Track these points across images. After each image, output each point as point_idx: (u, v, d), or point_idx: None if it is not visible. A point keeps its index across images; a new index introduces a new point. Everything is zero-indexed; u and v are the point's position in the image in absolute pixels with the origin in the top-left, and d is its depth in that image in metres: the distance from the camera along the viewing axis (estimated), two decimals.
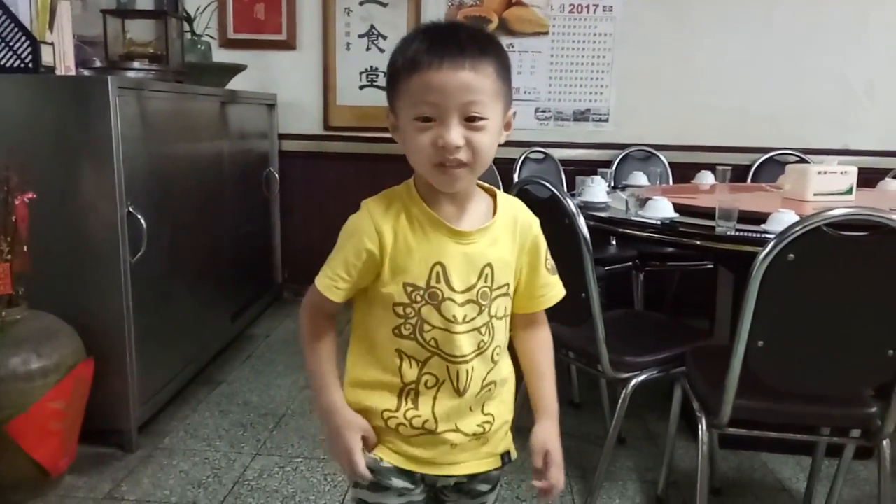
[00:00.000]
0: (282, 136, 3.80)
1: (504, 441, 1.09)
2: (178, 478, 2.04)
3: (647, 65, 3.64)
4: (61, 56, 2.23)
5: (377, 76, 3.76)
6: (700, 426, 1.64)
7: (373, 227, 0.98)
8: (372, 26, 3.73)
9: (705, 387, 1.66)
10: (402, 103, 0.95)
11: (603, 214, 2.15)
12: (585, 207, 2.15)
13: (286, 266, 3.96)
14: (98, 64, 2.66)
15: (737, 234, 1.77)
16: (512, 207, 1.05)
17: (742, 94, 3.62)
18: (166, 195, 2.39)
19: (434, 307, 0.98)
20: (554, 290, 1.11)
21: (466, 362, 1.00)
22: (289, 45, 3.76)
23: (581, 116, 3.69)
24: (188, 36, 3.25)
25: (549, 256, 1.10)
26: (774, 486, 2.10)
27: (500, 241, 1.02)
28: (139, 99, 2.21)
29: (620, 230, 2.08)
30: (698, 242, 1.86)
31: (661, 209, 2.00)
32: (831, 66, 3.58)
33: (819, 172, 2.16)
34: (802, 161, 3.32)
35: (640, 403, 2.29)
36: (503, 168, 3.21)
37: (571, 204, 1.76)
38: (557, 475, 1.06)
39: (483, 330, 1.01)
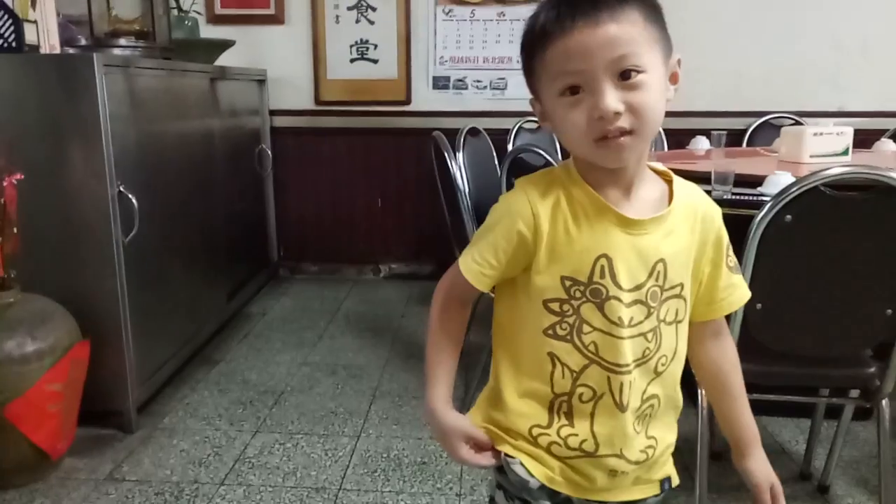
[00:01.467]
0: (273, 112, 3.76)
1: (665, 466, 0.96)
2: (178, 457, 2.04)
3: None
4: (45, 34, 2.19)
5: (367, 49, 3.71)
6: (699, 391, 1.64)
7: (528, 207, 0.85)
8: None
9: None
10: (543, 83, 0.83)
11: None
12: None
13: (281, 243, 3.94)
14: (83, 42, 2.62)
15: (733, 197, 1.76)
16: (691, 195, 0.91)
17: (735, 57, 3.58)
18: (157, 174, 2.37)
19: (596, 306, 0.85)
20: (738, 291, 0.95)
21: (629, 372, 0.86)
22: (277, 19, 3.70)
23: None
24: (175, 12, 3.20)
25: (731, 252, 0.94)
26: (774, 449, 2.11)
27: (677, 233, 0.87)
28: (126, 76, 2.18)
29: None
30: None
31: None
32: (825, 25, 3.53)
33: (815, 134, 2.14)
34: (798, 124, 3.29)
35: None
36: (497, 139, 3.18)
37: None
38: None
39: (650, 336, 0.87)
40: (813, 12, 3.53)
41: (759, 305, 1.45)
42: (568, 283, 0.85)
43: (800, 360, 1.56)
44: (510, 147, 3.28)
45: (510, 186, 1.96)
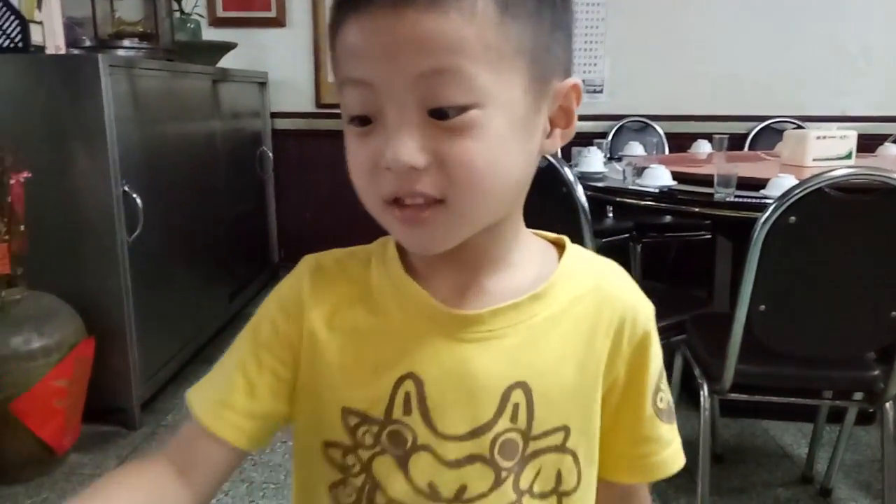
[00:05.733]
0: (274, 115, 3.77)
1: None
2: None
3: (640, 34, 3.61)
4: (51, 35, 2.20)
5: None
6: (702, 392, 1.64)
7: (299, 293, 0.57)
8: None
9: (706, 353, 1.66)
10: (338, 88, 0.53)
11: (600, 184, 2.14)
12: (582, 178, 2.13)
13: (282, 245, 3.95)
14: (87, 43, 2.63)
15: (736, 199, 1.76)
16: (595, 270, 0.59)
17: (737, 61, 3.59)
18: (160, 174, 2.37)
19: (397, 461, 0.53)
20: (667, 450, 0.60)
21: None
22: (279, 21, 3.71)
23: None
24: (177, 14, 3.21)
25: (664, 386, 0.60)
26: (776, 452, 2.11)
27: (556, 335, 0.55)
28: (130, 77, 2.19)
29: (618, 199, 2.07)
30: (697, 209, 1.86)
31: (659, 177, 1.99)
32: (827, 29, 3.55)
33: (818, 137, 2.15)
34: (800, 128, 3.30)
35: None
36: None
37: (569, 172, 1.75)
38: None
39: None
40: (815, 16, 3.54)
41: (762, 307, 1.46)
42: (353, 421, 0.54)
43: (803, 362, 1.56)
44: None
45: None
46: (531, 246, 0.59)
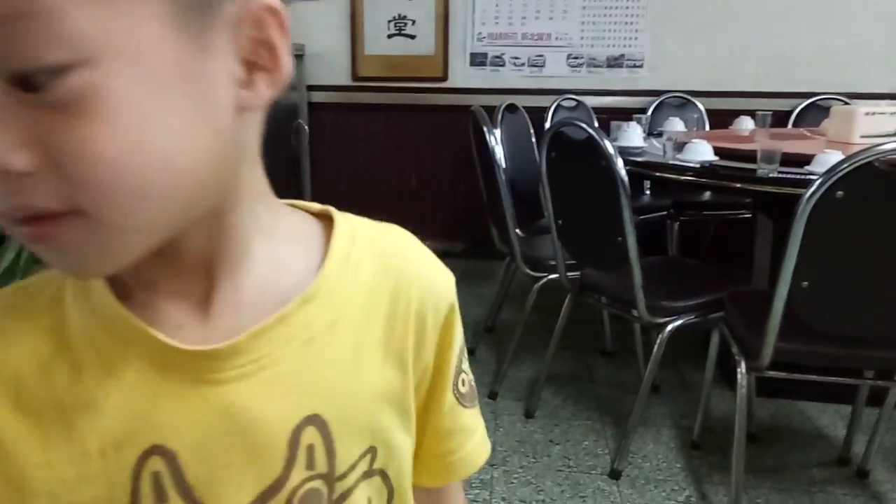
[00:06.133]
0: (310, 88, 3.77)
1: None
2: None
3: (682, 7, 3.52)
4: None
5: (406, 24, 3.68)
6: (739, 369, 1.62)
7: None
8: None
9: (745, 330, 1.63)
10: None
11: (639, 159, 2.11)
12: (621, 152, 2.10)
13: None
14: None
15: (780, 175, 1.72)
16: (378, 244, 0.47)
17: (782, 36, 3.49)
18: None
19: None
20: (473, 439, 0.52)
21: None
22: None
23: (615, 62, 3.59)
24: None
25: (466, 367, 0.51)
26: (812, 433, 2.08)
27: (344, 342, 0.43)
28: None
29: (657, 174, 2.04)
30: (739, 185, 1.82)
31: (700, 152, 1.95)
32: (877, 2, 3.41)
33: (866, 113, 2.08)
34: (847, 105, 3.20)
35: (673, 353, 2.27)
36: (534, 117, 3.15)
37: (609, 145, 1.72)
38: None
39: None
40: None
41: (804, 284, 1.42)
42: None
43: (844, 341, 1.52)
44: (548, 125, 3.26)
45: (549, 162, 1.95)
46: (289, 228, 0.45)
